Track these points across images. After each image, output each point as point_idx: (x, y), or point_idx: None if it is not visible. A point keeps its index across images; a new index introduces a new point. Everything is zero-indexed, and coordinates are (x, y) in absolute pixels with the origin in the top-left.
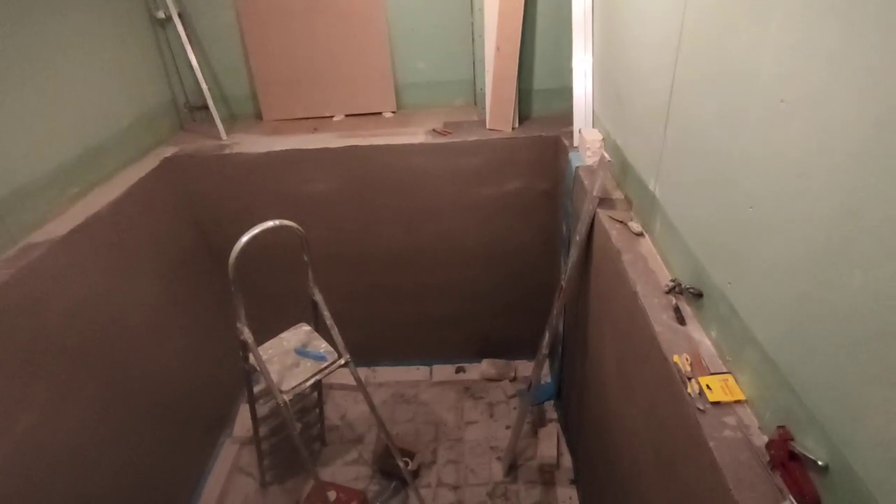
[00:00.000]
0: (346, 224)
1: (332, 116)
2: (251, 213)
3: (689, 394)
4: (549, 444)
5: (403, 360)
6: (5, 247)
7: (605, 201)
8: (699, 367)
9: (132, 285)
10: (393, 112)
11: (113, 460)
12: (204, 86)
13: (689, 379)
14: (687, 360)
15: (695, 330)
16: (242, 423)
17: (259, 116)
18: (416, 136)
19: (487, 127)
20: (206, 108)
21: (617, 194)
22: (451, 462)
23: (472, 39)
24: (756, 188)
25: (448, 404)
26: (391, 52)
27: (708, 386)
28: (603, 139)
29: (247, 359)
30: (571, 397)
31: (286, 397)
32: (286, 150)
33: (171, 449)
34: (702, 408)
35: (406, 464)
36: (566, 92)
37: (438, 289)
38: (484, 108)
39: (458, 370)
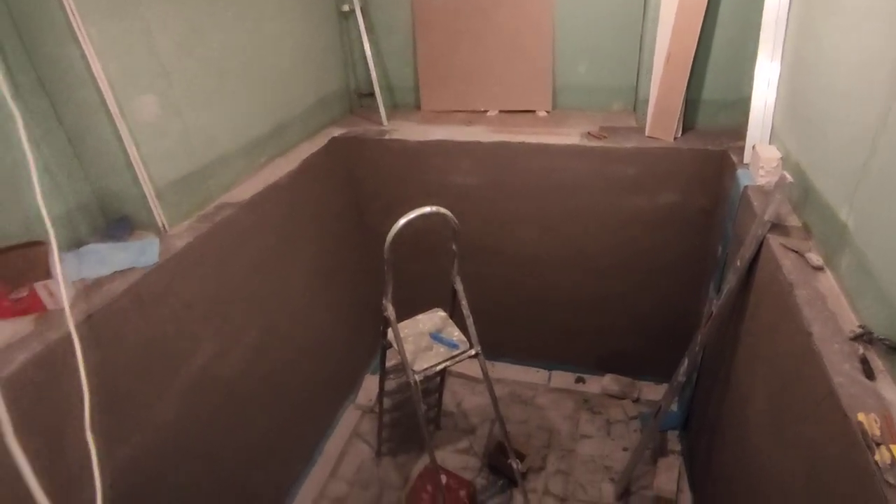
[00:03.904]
0: (485, 219)
1: (486, 111)
2: (401, 196)
3: (877, 462)
4: (670, 477)
5: (523, 361)
6: (206, 203)
7: (776, 227)
8: (892, 432)
9: (296, 249)
10: (547, 112)
11: (262, 400)
12: (374, 75)
13: (878, 445)
14: (876, 421)
15: (887, 388)
16: (366, 392)
17: (418, 106)
18: (569, 137)
19: (647, 134)
20: (372, 95)
21: (792, 221)
22: (560, 472)
23: (641, 46)
24: None
25: (564, 413)
26: (553, 53)
27: None
28: (781, 158)
29: (385, 334)
30: (701, 432)
31: (417, 377)
32: (440, 141)
33: (305, 399)
34: (892, 482)
35: (519, 463)
36: (738, 104)
37: (569, 295)
38: (643, 115)
39: (578, 380)
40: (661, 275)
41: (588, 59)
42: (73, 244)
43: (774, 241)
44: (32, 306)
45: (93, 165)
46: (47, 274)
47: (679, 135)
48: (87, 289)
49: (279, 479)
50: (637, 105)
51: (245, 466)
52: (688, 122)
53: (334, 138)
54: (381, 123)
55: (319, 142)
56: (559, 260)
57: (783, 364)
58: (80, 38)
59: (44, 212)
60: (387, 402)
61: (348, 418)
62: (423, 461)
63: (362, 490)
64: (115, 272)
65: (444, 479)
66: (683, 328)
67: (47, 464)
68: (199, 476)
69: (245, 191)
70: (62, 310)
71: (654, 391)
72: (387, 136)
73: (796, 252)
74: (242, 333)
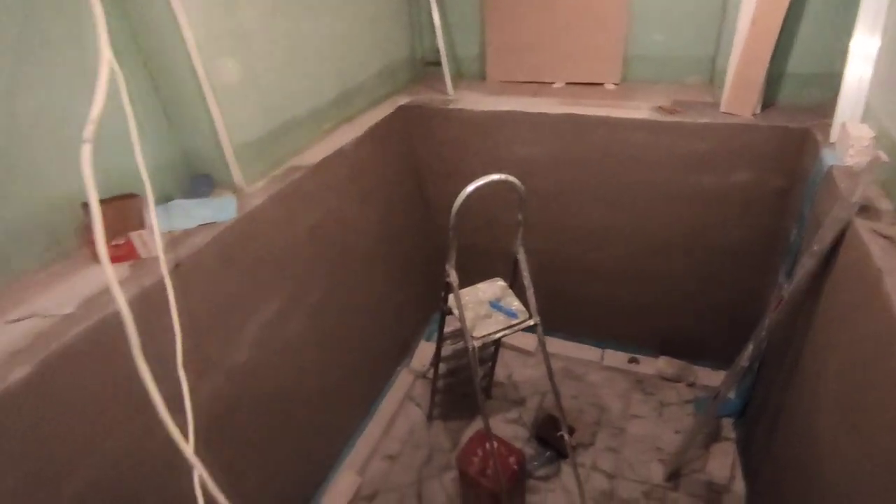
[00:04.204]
0: (547, 192)
1: (552, 83)
2: (462, 166)
3: None
4: (723, 463)
5: (576, 337)
6: (278, 165)
7: (864, 210)
8: None
9: (358, 213)
10: (616, 84)
11: (322, 358)
12: (441, 43)
13: None
14: None
15: None
16: (419, 358)
17: (483, 76)
18: (639, 111)
19: (723, 110)
20: (437, 63)
21: (884, 204)
22: (610, 450)
23: (723, 11)
24: None
25: (616, 392)
26: (628, 21)
27: None
28: (874, 137)
29: (446, 300)
30: (759, 421)
31: (476, 343)
32: (505, 112)
33: (362, 361)
34: None
35: (570, 436)
36: (826, 78)
37: (628, 273)
38: (720, 89)
39: (632, 360)
40: (726, 257)
41: (664, 26)
42: (161, 199)
43: (862, 224)
44: (128, 254)
45: (180, 125)
46: (141, 224)
47: (758, 111)
48: (174, 240)
49: (336, 433)
50: (714, 78)
51: (305, 418)
52: (769, 97)
53: (400, 107)
54: (445, 93)
55: (385, 109)
56: (620, 237)
57: (863, 352)
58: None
59: (142, 167)
60: (440, 368)
61: (402, 382)
62: (472, 427)
63: (414, 450)
64: (199, 226)
65: (495, 445)
66: (746, 313)
67: (142, 393)
68: (265, 420)
69: (314, 155)
70: (155, 258)
71: (710, 377)
72: (451, 106)
73: (887, 237)
74: (306, 292)
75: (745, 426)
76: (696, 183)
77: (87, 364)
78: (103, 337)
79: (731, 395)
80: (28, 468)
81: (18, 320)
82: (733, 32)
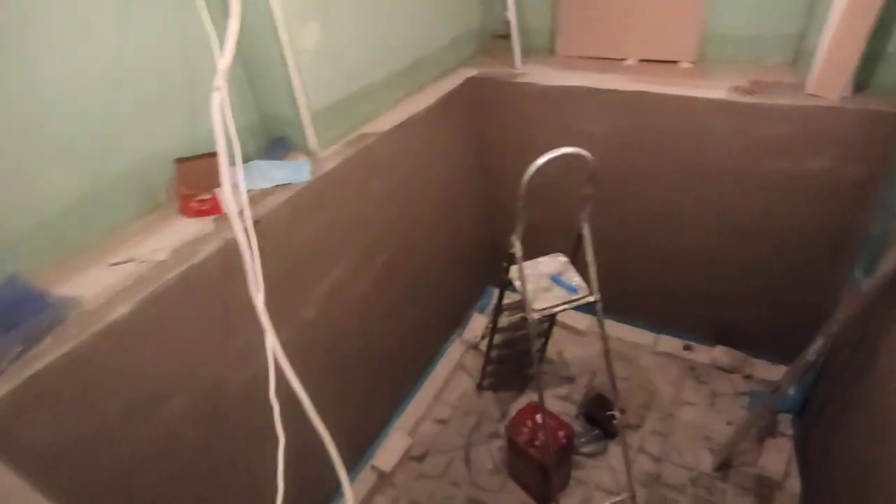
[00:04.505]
0: (614, 171)
1: (623, 60)
2: (526, 140)
3: None
4: (778, 459)
5: (630, 319)
6: (351, 131)
7: None
8: None
9: (425, 181)
10: (691, 63)
11: (382, 320)
12: (512, 15)
13: None
14: None
15: None
16: (472, 328)
17: (551, 51)
18: (715, 91)
19: (807, 91)
20: (505, 36)
21: None
22: (658, 434)
23: None
24: None
25: (668, 377)
26: None
27: None
28: None
29: (507, 271)
30: (821, 419)
31: (536, 316)
32: (573, 87)
33: (418, 326)
34: None
35: (620, 415)
36: None
37: (690, 258)
38: (805, 69)
39: (686, 347)
40: (797, 246)
41: (746, 2)
42: (241, 159)
43: None
44: (213, 209)
45: (261, 89)
46: None
47: (847, 94)
48: (252, 198)
49: (390, 394)
50: (799, 57)
51: (364, 378)
52: (861, 79)
53: (469, 78)
54: (513, 66)
55: (455, 80)
56: (687, 221)
57: None
58: None
59: (231, 127)
60: (495, 340)
61: (454, 351)
62: (520, 401)
63: (463, 416)
64: (276, 186)
65: (546, 417)
66: (813, 307)
67: (223, 336)
68: (327, 375)
69: (385, 122)
70: (238, 213)
71: (768, 371)
72: (519, 80)
73: None
74: (372, 257)
75: (804, 423)
76: (770, 168)
77: (177, 305)
78: (191, 282)
79: (792, 390)
80: (129, 394)
81: (119, 263)
82: (827, 7)
